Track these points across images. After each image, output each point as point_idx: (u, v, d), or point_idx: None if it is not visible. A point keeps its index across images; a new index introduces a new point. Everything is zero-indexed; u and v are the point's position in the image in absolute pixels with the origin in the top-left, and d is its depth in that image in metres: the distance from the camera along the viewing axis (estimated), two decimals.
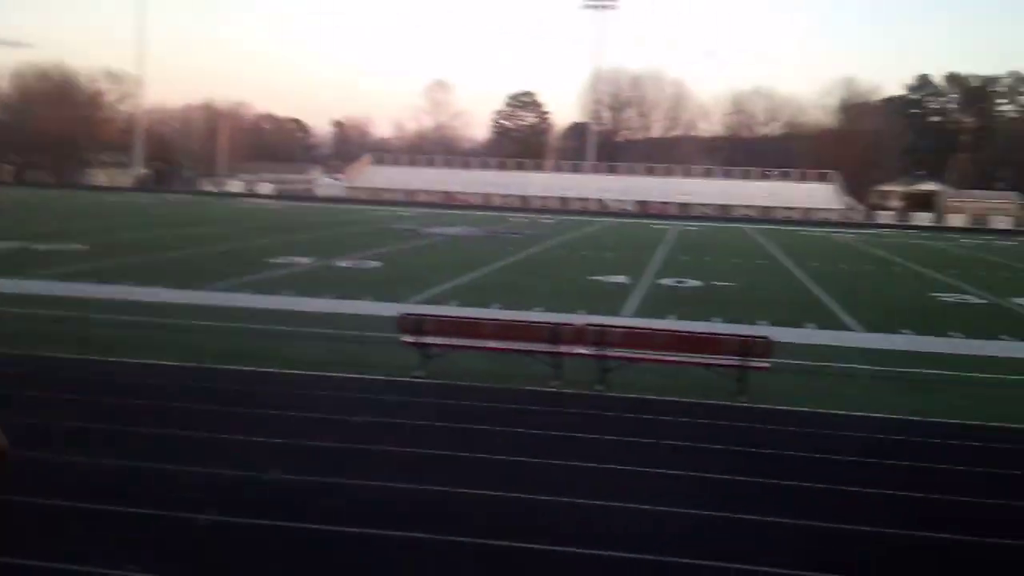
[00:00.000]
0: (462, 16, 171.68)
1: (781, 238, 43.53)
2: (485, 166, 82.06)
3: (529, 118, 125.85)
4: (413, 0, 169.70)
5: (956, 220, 63.80)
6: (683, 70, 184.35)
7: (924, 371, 12.91)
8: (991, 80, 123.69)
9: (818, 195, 71.39)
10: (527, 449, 8.40)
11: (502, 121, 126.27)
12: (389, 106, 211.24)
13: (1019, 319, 18.61)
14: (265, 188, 75.78)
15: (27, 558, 5.61)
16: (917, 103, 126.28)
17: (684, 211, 67.11)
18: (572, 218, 55.92)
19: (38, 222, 35.98)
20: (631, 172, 79.10)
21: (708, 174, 79.69)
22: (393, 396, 10.22)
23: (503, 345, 11.34)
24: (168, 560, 5.79)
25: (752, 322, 16.40)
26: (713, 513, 6.90)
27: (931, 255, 36.00)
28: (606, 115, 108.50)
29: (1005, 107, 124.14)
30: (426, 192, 73.39)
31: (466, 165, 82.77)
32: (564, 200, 71.28)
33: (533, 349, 11.16)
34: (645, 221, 56.14)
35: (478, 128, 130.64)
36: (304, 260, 24.91)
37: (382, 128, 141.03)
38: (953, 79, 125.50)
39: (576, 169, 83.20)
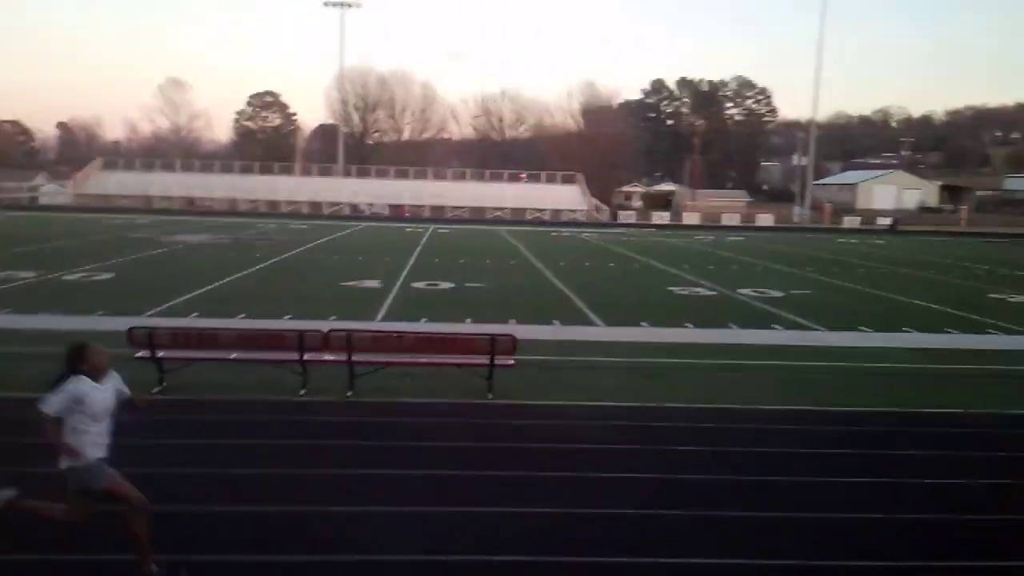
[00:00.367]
0: (197, 10, 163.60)
1: (532, 239, 45.61)
2: (228, 170, 78.70)
3: (274, 119, 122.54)
4: None
5: (692, 218, 69.94)
6: (431, 72, 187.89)
7: (661, 360, 14.18)
8: (719, 85, 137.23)
9: (565, 196, 75.44)
10: (271, 461, 8.32)
11: (245, 123, 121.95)
12: (120, 107, 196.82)
13: (745, 308, 20.86)
14: None
15: None
16: (653, 107, 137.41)
17: (438, 214, 68.42)
18: (324, 223, 55.13)
19: None
20: (383, 175, 79.31)
21: (460, 176, 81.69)
22: (123, 415, 9.64)
23: (246, 356, 11.11)
24: None
25: (503, 321, 17.15)
26: (457, 509, 7.25)
27: (668, 252, 39.28)
28: (355, 117, 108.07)
29: (732, 110, 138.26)
30: (165, 198, 69.25)
31: (208, 169, 78.87)
32: (315, 204, 70.14)
33: (279, 358, 11.04)
34: (399, 224, 56.57)
35: (220, 130, 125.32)
36: (26, 275, 22.74)
37: (113, 130, 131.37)
38: (685, 84, 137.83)
39: (326, 172, 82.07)
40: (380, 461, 8.41)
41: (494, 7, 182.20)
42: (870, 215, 74.52)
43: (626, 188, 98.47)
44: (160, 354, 10.84)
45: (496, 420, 10.12)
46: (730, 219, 69.73)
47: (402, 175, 78.81)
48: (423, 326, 16.18)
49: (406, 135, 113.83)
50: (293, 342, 10.88)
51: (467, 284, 23.92)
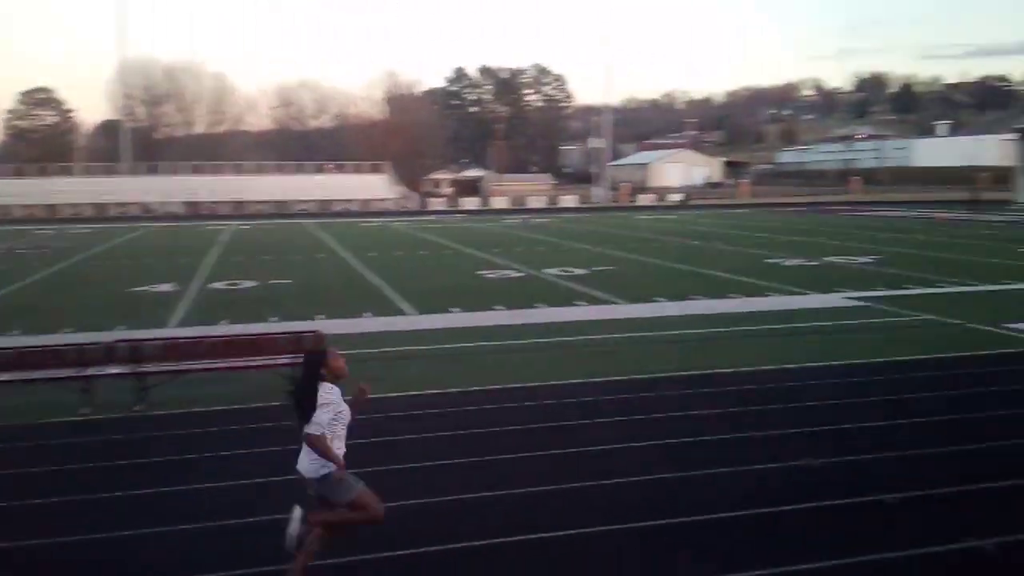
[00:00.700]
0: None
1: (339, 231, 44.69)
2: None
3: (49, 117, 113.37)
4: None
5: (500, 203, 71.03)
6: (223, 63, 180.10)
7: (471, 344, 14.22)
8: (518, 72, 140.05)
9: (372, 186, 74.46)
10: (49, 489, 7.59)
11: (16, 122, 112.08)
12: None
13: (551, 287, 21.34)
14: None
15: None
16: (456, 95, 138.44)
17: (239, 210, 65.52)
18: (110, 226, 51.47)
19: None
20: (175, 171, 75.04)
21: (261, 170, 78.71)
22: None
23: (18, 376, 10.11)
24: None
25: (311, 318, 16.64)
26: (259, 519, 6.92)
27: (478, 237, 39.63)
28: (140, 111, 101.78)
29: (532, 97, 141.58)
30: None
31: None
32: (99, 206, 65.26)
33: (56, 376, 10.12)
34: (196, 223, 53.77)
35: None
36: None
37: None
38: (486, 72, 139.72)
39: (111, 171, 76.68)
40: (162, 479, 7.87)
41: None
42: (662, 192, 78.57)
43: (434, 175, 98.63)
44: None
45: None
46: (536, 202, 71.41)
47: (198, 170, 74.89)
48: (222, 328, 15.40)
49: (200, 128, 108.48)
50: (72, 357, 10.02)
51: (272, 282, 23.05)
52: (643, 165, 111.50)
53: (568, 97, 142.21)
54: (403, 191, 74.69)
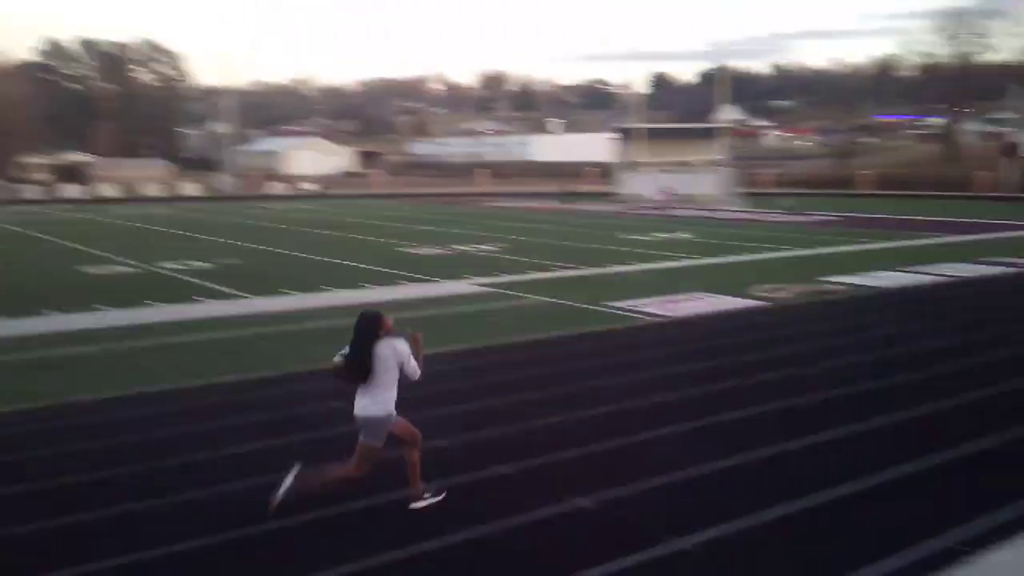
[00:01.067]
0: None
1: None
2: None
3: None
4: None
5: (108, 191, 65.18)
6: None
7: (63, 350, 12.80)
8: (125, 47, 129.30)
9: None
10: None
11: None
12: None
13: (168, 283, 19.97)
14: None
15: None
16: (51, 69, 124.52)
17: None
18: None
19: None
20: None
21: None
22: None
23: None
24: None
25: None
26: None
27: (83, 229, 36.09)
28: None
29: (143, 75, 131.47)
30: None
31: None
32: None
33: None
34: None
35: None
36: None
37: None
38: (88, 45, 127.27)
39: None
40: None
41: None
42: (295, 181, 77.35)
43: (27, 159, 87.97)
44: None
45: None
46: (153, 190, 66.64)
47: None
48: None
49: None
50: None
51: None
52: (273, 152, 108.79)
53: (186, 77, 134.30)
54: None
